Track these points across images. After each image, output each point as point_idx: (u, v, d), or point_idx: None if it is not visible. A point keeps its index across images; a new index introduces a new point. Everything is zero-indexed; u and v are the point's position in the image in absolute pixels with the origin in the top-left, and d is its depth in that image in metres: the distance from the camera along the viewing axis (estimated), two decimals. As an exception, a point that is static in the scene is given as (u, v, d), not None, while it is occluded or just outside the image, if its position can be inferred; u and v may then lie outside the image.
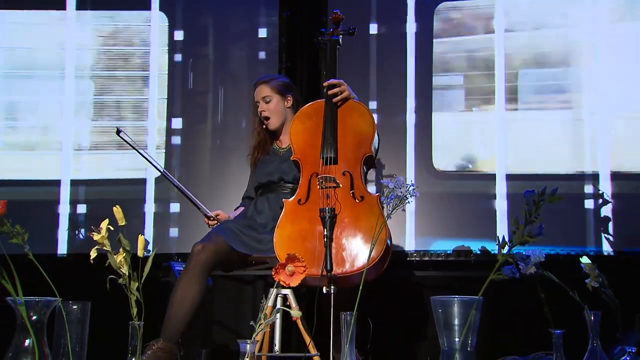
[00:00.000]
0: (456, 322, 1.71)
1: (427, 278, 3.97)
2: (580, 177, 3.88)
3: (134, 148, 3.15)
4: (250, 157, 3.33)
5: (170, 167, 4.20)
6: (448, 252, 3.94)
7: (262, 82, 3.28)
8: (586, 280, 2.10)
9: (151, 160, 3.28)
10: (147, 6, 4.37)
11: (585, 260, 2.12)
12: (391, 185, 1.82)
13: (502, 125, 4.01)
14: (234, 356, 3.76)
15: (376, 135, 2.98)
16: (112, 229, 1.87)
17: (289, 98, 3.25)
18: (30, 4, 4.39)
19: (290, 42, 4.28)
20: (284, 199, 2.92)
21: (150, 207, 4.19)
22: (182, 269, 3.16)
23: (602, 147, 3.86)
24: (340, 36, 3.14)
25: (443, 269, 3.94)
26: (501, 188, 3.95)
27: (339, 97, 2.98)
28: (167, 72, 4.30)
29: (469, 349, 1.70)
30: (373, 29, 4.23)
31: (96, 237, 1.84)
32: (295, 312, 1.81)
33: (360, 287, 1.84)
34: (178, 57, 4.33)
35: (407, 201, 1.84)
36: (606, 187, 3.83)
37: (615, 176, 3.84)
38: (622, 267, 3.65)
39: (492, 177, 3.98)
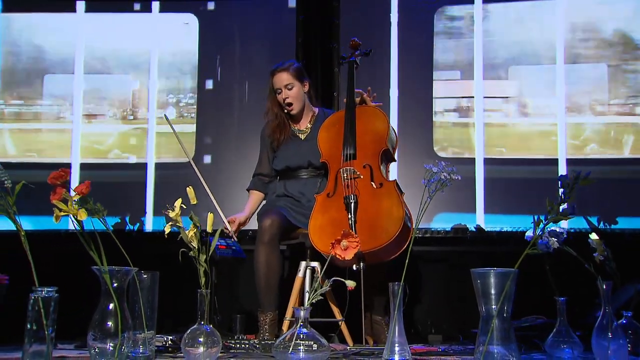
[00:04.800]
0: (493, 291, 1.70)
1: (428, 252, 3.98)
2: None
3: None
4: (271, 137, 3.23)
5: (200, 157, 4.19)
6: (447, 229, 3.95)
7: (282, 70, 3.15)
8: (594, 254, 2.09)
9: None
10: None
11: (593, 236, 2.11)
12: (435, 169, 1.80)
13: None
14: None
15: (392, 132, 3.01)
16: (184, 207, 1.85)
17: (305, 83, 3.22)
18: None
19: (305, 42, 4.27)
20: (315, 194, 2.95)
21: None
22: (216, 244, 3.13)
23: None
24: (358, 58, 3.21)
25: (443, 244, 3.97)
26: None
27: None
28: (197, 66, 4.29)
29: (505, 315, 1.70)
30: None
31: (171, 214, 1.81)
32: (350, 282, 1.79)
33: (407, 259, 1.83)
34: (209, 53, 4.31)
35: (447, 184, 1.82)
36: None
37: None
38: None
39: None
